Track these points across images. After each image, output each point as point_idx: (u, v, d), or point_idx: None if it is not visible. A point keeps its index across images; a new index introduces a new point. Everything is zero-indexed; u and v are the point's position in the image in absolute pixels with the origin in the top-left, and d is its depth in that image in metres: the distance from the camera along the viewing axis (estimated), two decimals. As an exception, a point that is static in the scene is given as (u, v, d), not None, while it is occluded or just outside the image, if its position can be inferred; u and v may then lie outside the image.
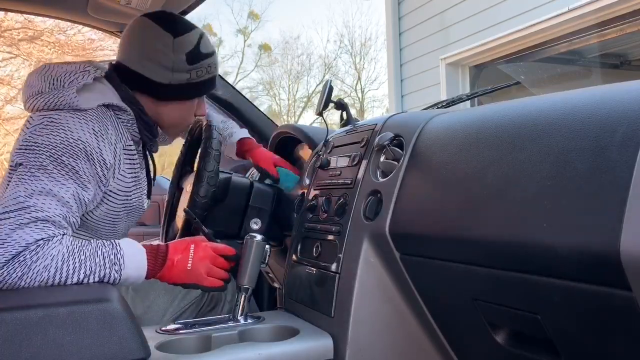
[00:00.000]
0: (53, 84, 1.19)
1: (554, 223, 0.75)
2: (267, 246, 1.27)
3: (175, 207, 1.72)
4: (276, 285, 1.84)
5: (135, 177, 1.31)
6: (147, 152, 1.39)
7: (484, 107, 1.10)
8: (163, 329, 1.19)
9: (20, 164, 1.09)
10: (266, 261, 1.28)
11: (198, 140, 1.64)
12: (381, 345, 1.13)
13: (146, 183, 1.38)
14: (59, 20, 1.89)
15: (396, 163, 1.14)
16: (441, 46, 5.59)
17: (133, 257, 1.11)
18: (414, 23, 5.99)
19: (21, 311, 0.87)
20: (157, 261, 1.15)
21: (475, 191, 0.91)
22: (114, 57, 1.39)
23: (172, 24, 1.30)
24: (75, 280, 1.04)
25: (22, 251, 1.00)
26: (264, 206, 1.61)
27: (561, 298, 0.78)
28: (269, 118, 2.32)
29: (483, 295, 0.93)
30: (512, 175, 0.85)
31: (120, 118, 1.26)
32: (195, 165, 1.57)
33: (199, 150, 1.54)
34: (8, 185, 1.10)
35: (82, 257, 1.05)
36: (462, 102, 1.63)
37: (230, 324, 1.22)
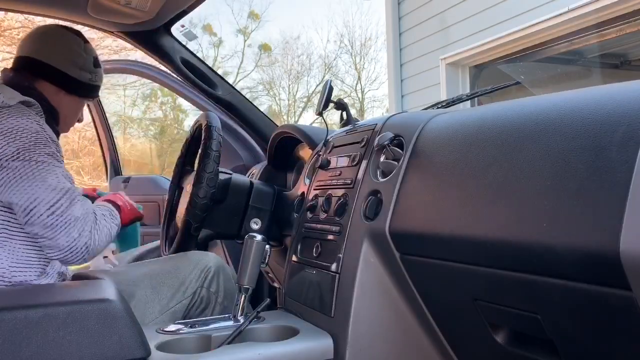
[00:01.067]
0: None
1: (554, 223, 0.75)
2: (267, 246, 1.27)
3: (175, 207, 1.72)
4: (276, 285, 1.84)
5: None
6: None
7: (484, 107, 1.10)
8: (163, 329, 1.19)
9: (5, 173, 1.22)
10: (266, 261, 1.28)
11: (198, 139, 1.64)
12: (381, 345, 1.13)
13: None
14: (59, 20, 1.89)
15: (396, 163, 1.14)
16: (441, 46, 5.58)
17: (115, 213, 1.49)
18: (414, 23, 5.99)
19: (21, 311, 0.88)
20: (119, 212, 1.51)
21: (475, 191, 0.91)
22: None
23: (78, 33, 1.56)
24: (108, 227, 1.38)
25: (92, 217, 1.32)
26: (264, 206, 1.61)
27: (561, 298, 0.78)
28: (269, 118, 2.32)
29: (483, 295, 0.93)
30: (512, 175, 0.85)
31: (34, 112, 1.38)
32: (195, 166, 1.57)
33: (199, 152, 1.54)
34: None
35: (105, 215, 1.41)
36: (462, 102, 1.63)
37: (230, 323, 1.22)
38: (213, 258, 1.50)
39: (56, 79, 1.48)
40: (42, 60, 1.47)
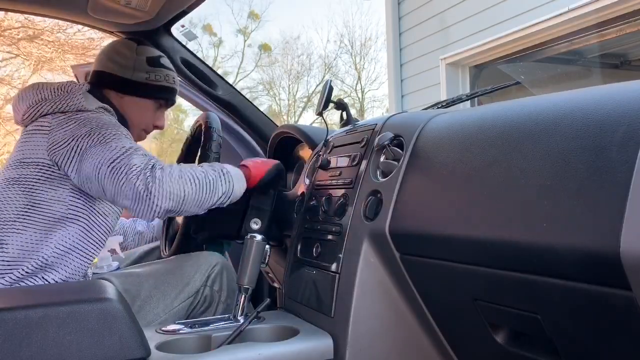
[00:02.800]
0: (55, 92, 1.38)
1: (554, 223, 0.75)
2: (267, 246, 1.27)
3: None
4: (276, 285, 1.84)
5: None
6: None
7: (484, 107, 1.10)
8: (163, 329, 1.19)
9: (78, 149, 1.29)
10: (266, 261, 1.28)
11: (198, 139, 1.64)
12: (381, 345, 1.13)
13: None
14: (59, 20, 1.89)
15: (396, 163, 1.14)
16: (441, 46, 5.58)
17: (232, 168, 1.39)
18: (414, 23, 5.99)
19: (21, 311, 0.88)
20: (247, 171, 1.44)
21: (475, 191, 0.91)
22: None
23: (139, 42, 1.59)
24: (198, 179, 1.29)
25: (154, 163, 1.27)
26: (264, 206, 1.61)
27: (561, 298, 0.78)
28: (269, 118, 2.32)
29: (483, 295, 0.93)
30: (512, 175, 0.85)
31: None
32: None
33: (198, 153, 1.54)
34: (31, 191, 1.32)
35: (197, 169, 1.32)
36: (462, 102, 1.63)
37: (230, 323, 1.22)
38: (218, 257, 1.51)
39: (112, 83, 1.53)
40: (100, 69, 1.55)
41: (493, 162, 0.90)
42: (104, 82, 1.54)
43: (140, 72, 1.54)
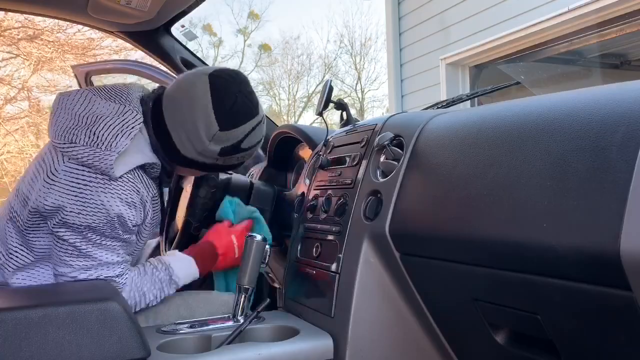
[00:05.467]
0: (90, 137, 1.16)
1: (554, 223, 0.75)
2: (267, 246, 1.27)
3: (175, 207, 1.72)
4: (276, 285, 1.84)
5: (156, 211, 1.34)
6: (161, 186, 1.38)
7: (484, 107, 1.10)
8: (163, 329, 1.19)
9: (68, 241, 1.18)
10: (266, 261, 1.28)
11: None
12: (381, 345, 1.13)
13: (160, 215, 1.38)
14: (59, 20, 1.89)
15: (396, 163, 1.14)
16: (441, 46, 5.58)
17: (185, 270, 1.31)
18: (414, 23, 5.99)
19: (21, 311, 0.88)
20: (205, 262, 1.35)
21: (475, 191, 0.91)
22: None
23: (228, 113, 1.23)
24: (143, 305, 1.26)
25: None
26: (264, 206, 1.61)
27: (561, 298, 0.78)
28: (269, 118, 2.32)
29: (483, 295, 0.93)
30: (512, 175, 0.85)
31: (149, 171, 1.28)
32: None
33: None
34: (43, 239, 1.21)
35: (145, 289, 1.26)
36: (462, 102, 1.63)
37: (230, 323, 1.22)
38: (228, 297, 1.39)
39: (168, 147, 1.27)
40: (164, 117, 1.26)
41: (493, 162, 0.90)
42: (160, 137, 1.26)
43: (208, 158, 1.28)
